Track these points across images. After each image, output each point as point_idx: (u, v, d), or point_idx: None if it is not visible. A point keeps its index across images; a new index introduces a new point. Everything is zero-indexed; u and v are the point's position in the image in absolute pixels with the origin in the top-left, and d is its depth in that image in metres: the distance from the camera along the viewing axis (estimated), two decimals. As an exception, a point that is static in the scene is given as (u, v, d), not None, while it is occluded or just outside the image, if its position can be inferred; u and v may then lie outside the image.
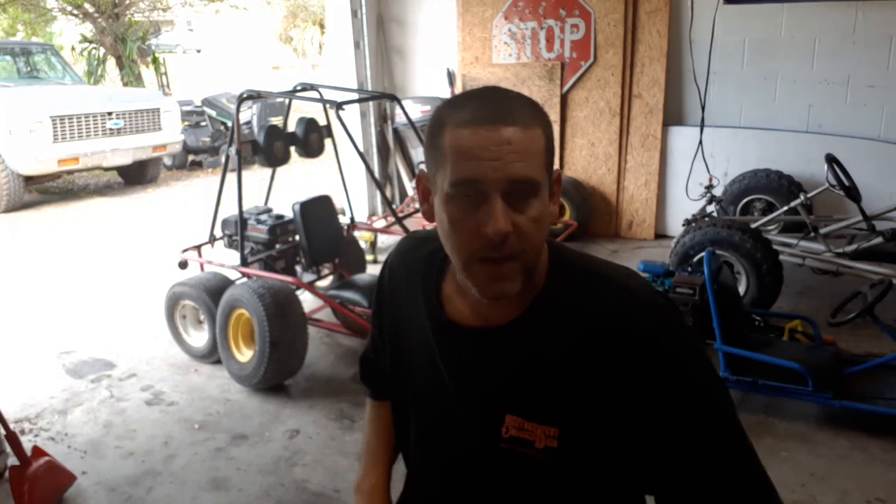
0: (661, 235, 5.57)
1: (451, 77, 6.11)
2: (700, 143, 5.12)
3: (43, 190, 9.23)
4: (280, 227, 3.94)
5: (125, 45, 13.31)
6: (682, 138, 5.34)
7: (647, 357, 0.87)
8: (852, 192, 3.73)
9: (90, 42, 13.84)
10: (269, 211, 4.08)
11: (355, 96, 5.21)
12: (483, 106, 0.86)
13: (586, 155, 5.66)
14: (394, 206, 5.41)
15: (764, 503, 0.87)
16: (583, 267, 0.96)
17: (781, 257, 3.75)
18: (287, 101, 4.29)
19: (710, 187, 4.67)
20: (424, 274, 1.04)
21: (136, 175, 9.32)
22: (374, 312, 1.20)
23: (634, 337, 0.88)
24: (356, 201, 5.08)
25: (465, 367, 0.98)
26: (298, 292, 3.60)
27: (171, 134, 9.14)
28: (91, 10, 13.84)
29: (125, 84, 13.19)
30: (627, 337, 0.88)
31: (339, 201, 4.31)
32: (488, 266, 0.87)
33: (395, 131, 6.40)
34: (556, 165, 5.27)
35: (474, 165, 0.83)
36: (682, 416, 0.86)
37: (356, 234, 4.48)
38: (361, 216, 6.04)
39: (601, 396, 0.89)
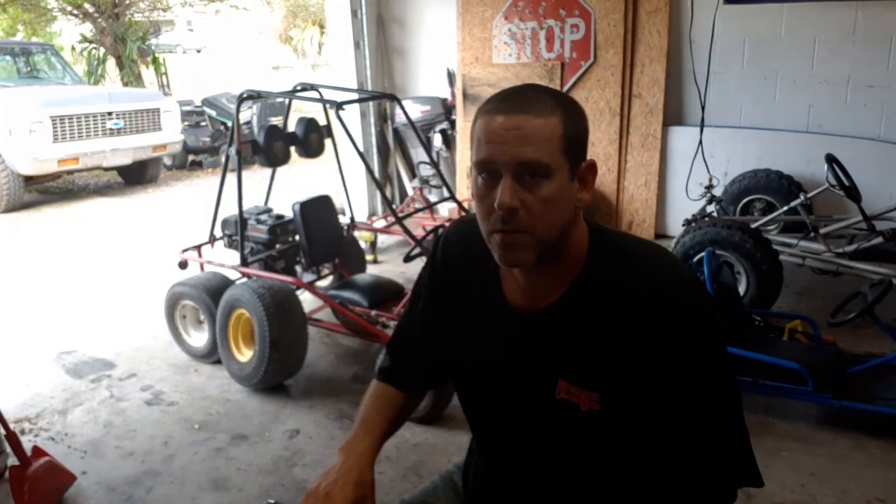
0: (661, 235, 5.57)
1: (451, 77, 6.11)
2: (700, 143, 5.12)
3: (43, 190, 9.23)
4: (280, 227, 3.94)
5: (125, 45, 13.31)
6: (682, 138, 5.34)
7: (669, 326, 0.99)
8: (852, 192, 3.73)
9: (90, 42, 13.84)
10: (269, 211, 4.08)
11: (355, 96, 5.20)
12: (507, 97, 1.00)
13: (586, 155, 5.65)
14: (394, 206, 5.41)
15: (734, 457, 1.05)
16: (620, 248, 1.06)
17: (781, 257, 3.75)
18: (287, 101, 4.29)
19: (710, 187, 4.66)
20: (485, 257, 1.10)
21: (136, 175, 9.32)
22: (423, 285, 1.28)
23: (660, 311, 0.99)
24: (356, 201, 5.08)
25: (520, 343, 1.11)
26: (298, 292, 3.60)
27: (171, 134, 9.14)
28: (91, 10, 13.84)
29: (125, 84, 13.19)
30: (654, 311, 0.99)
31: (339, 201, 4.31)
32: (502, 235, 0.99)
33: (395, 131, 6.40)
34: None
35: (489, 147, 0.97)
36: (686, 373, 1.00)
37: (356, 234, 4.48)
38: (361, 216, 6.05)
39: (634, 364, 1.01)
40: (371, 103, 6.23)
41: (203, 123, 10.95)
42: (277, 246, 3.94)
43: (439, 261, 1.24)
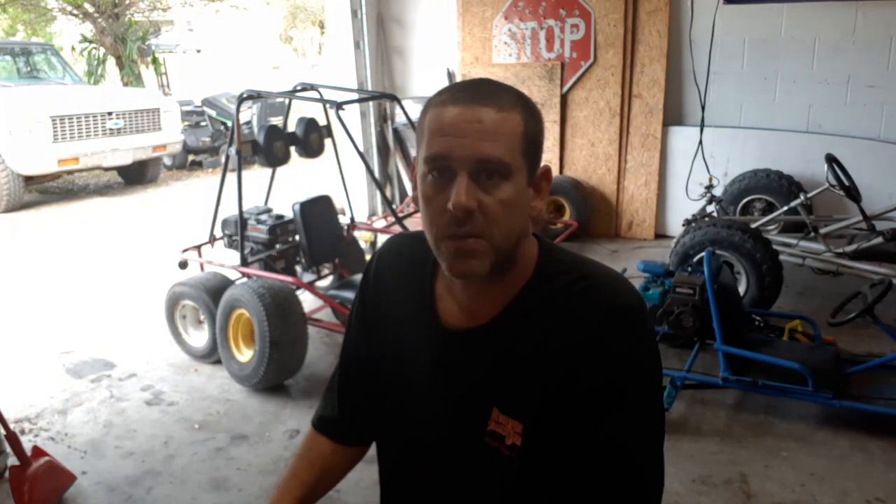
0: (661, 235, 5.57)
1: (451, 77, 6.11)
2: (700, 143, 5.12)
3: (43, 190, 9.23)
4: (280, 227, 3.94)
5: (125, 45, 13.30)
6: (682, 138, 5.34)
7: (595, 359, 0.88)
8: (852, 192, 3.73)
9: (90, 42, 13.83)
10: (269, 211, 4.08)
11: (355, 96, 5.20)
12: (464, 88, 0.90)
13: (586, 155, 5.66)
14: (394, 206, 5.41)
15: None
16: (568, 266, 0.97)
17: (781, 257, 3.75)
18: (287, 101, 4.29)
19: (710, 187, 4.66)
20: (417, 273, 1.04)
21: (136, 175, 9.32)
22: (356, 310, 1.16)
23: (582, 332, 0.89)
24: (356, 201, 5.07)
25: (454, 365, 1.00)
26: (298, 292, 3.60)
27: (171, 134, 9.14)
28: (91, 10, 13.84)
29: (125, 84, 13.18)
30: (577, 332, 0.89)
31: (339, 201, 4.31)
32: (455, 242, 0.89)
33: (395, 131, 6.40)
34: (556, 165, 5.23)
35: (444, 141, 0.87)
36: (602, 408, 0.88)
37: (356, 234, 4.48)
38: (361, 216, 6.04)
39: (557, 391, 0.90)
40: (371, 103, 6.23)
41: (203, 123, 10.95)
42: (277, 246, 3.94)
43: (371, 281, 1.13)
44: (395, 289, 1.09)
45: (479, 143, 0.86)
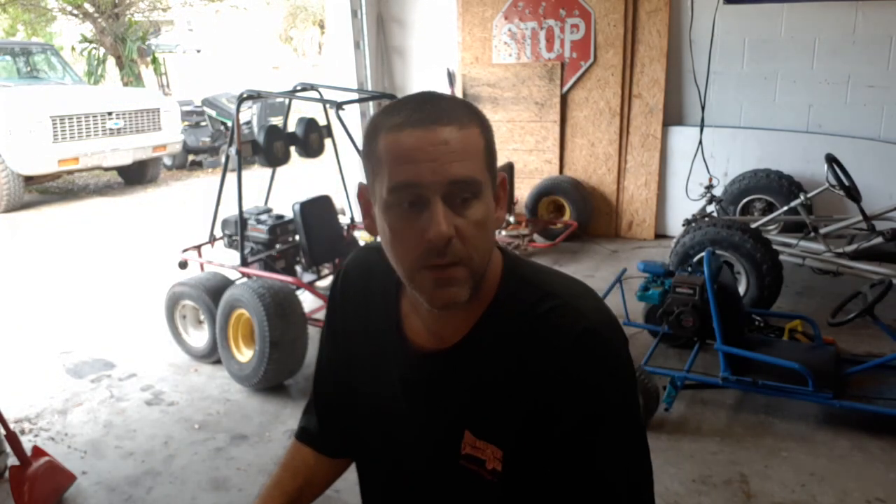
0: (661, 235, 5.57)
1: (451, 77, 6.11)
2: (700, 143, 5.12)
3: (43, 190, 9.23)
4: (280, 227, 3.94)
5: (125, 45, 13.31)
6: (682, 138, 5.34)
7: (568, 390, 0.85)
8: (852, 192, 3.73)
9: (90, 42, 13.84)
10: (269, 211, 4.08)
11: (355, 96, 5.20)
12: (417, 108, 0.84)
13: (586, 155, 5.66)
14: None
15: None
16: (532, 283, 0.92)
17: (781, 257, 3.75)
18: (287, 101, 4.29)
19: (710, 187, 4.66)
20: (383, 290, 1.01)
21: (136, 175, 9.32)
22: (326, 330, 1.14)
23: (550, 355, 0.85)
24: (356, 201, 5.07)
25: (423, 387, 0.97)
26: (298, 292, 3.60)
27: (171, 134, 9.14)
28: (91, 10, 13.84)
29: (125, 84, 13.19)
30: (545, 355, 0.86)
31: (339, 201, 4.31)
32: (434, 272, 0.84)
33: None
34: (556, 165, 5.22)
35: (411, 168, 0.81)
36: (585, 429, 0.86)
37: (356, 234, 4.48)
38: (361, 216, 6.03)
39: (531, 418, 0.87)
40: (371, 103, 6.22)
41: (203, 123, 10.95)
42: (277, 246, 3.94)
43: (338, 300, 1.10)
44: (361, 307, 1.05)
45: (449, 165, 0.81)
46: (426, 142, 0.81)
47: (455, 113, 0.84)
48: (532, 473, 0.89)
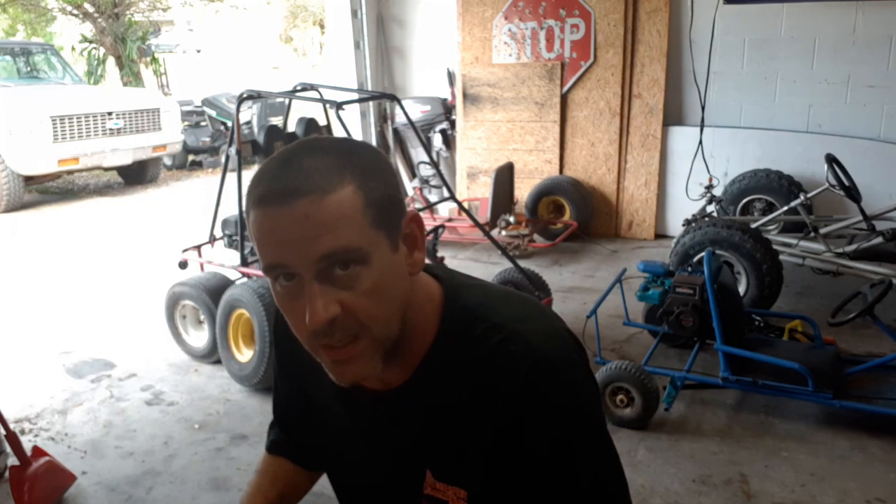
0: (661, 235, 5.57)
1: (451, 77, 6.11)
2: (700, 143, 5.12)
3: (43, 190, 9.24)
4: (280, 227, 3.93)
5: (125, 45, 13.32)
6: (682, 138, 5.34)
7: (530, 424, 0.81)
8: (852, 192, 3.73)
9: (90, 42, 13.85)
10: (269, 211, 4.08)
11: (355, 96, 5.21)
12: (276, 178, 0.75)
13: (586, 155, 5.66)
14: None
15: None
16: (474, 314, 0.86)
17: (781, 257, 3.75)
18: (287, 101, 4.29)
19: (710, 187, 4.67)
20: None
21: (136, 175, 9.33)
22: (276, 366, 1.12)
23: (514, 391, 0.81)
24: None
25: (374, 428, 0.93)
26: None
27: (171, 134, 9.15)
28: (91, 10, 13.85)
29: (125, 84, 13.20)
30: (495, 391, 0.82)
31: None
32: (330, 353, 0.79)
33: (395, 131, 6.40)
34: (556, 165, 5.19)
35: (276, 249, 0.74)
36: (554, 462, 0.83)
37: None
38: (361, 216, 6.03)
39: (497, 456, 0.83)
40: (371, 103, 6.23)
41: (203, 123, 10.96)
42: (277, 246, 3.94)
43: (279, 337, 1.07)
44: (302, 349, 0.97)
45: (314, 242, 0.72)
46: (285, 220, 0.73)
47: (317, 177, 0.73)
48: None
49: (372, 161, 0.79)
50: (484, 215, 5.13)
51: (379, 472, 0.96)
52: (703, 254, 3.09)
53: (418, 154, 6.34)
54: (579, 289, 4.52)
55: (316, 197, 0.72)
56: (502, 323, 0.84)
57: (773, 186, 4.71)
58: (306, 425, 1.08)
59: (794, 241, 3.95)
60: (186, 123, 10.49)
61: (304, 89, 3.96)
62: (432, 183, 6.08)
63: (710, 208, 4.62)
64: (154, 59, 14.02)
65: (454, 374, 0.85)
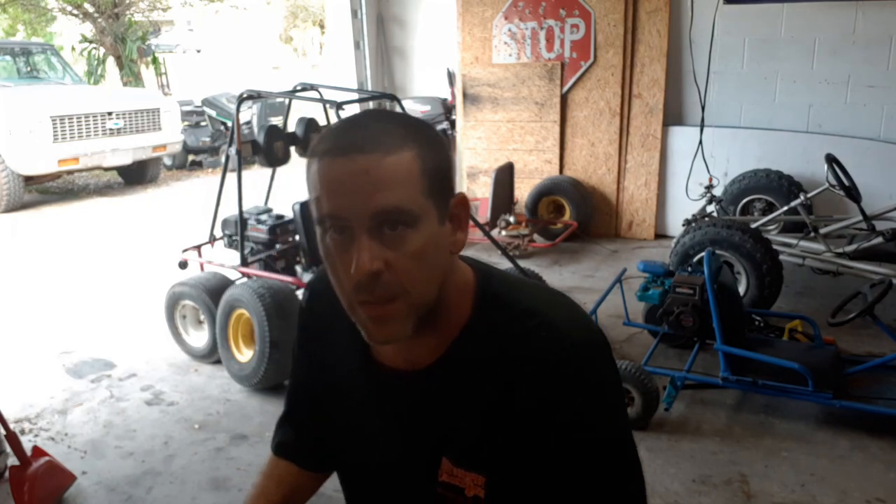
0: (661, 235, 5.57)
1: (451, 77, 6.12)
2: (700, 143, 5.13)
3: (43, 190, 9.23)
4: (280, 227, 3.93)
5: (125, 45, 13.31)
6: (682, 138, 5.34)
7: (558, 393, 0.82)
8: (852, 192, 3.73)
9: (90, 42, 13.85)
10: (269, 211, 4.08)
11: (355, 96, 5.21)
12: (343, 134, 0.80)
13: (586, 155, 5.66)
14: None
15: None
16: (508, 300, 0.88)
17: (781, 257, 3.75)
18: (287, 101, 4.29)
19: (710, 187, 4.67)
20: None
21: (136, 175, 9.33)
22: (296, 360, 1.12)
23: (534, 377, 0.82)
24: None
25: (397, 411, 0.94)
26: (298, 292, 3.60)
27: (171, 134, 9.15)
28: (91, 10, 13.85)
29: (125, 84, 13.20)
30: (529, 377, 0.83)
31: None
32: (368, 308, 0.81)
33: (395, 131, 6.40)
34: (556, 165, 5.22)
35: (333, 200, 0.78)
36: (576, 450, 0.84)
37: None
38: (361, 216, 6.04)
39: (521, 440, 0.84)
40: (371, 103, 6.23)
41: (203, 123, 10.96)
42: (277, 246, 3.94)
43: (305, 319, 1.07)
44: (329, 327, 1.01)
45: (370, 196, 0.76)
46: (345, 172, 0.77)
47: (384, 138, 0.78)
48: (521, 498, 0.86)
49: (433, 137, 0.83)
50: (484, 215, 5.13)
51: (391, 457, 0.96)
52: (703, 254, 3.10)
53: (418, 154, 6.33)
54: (579, 289, 4.52)
55: (378, 155, 0.77)
56: (536, 309, 0.87)
57: (773, 186, 4.71)
58: (319, 415, 1.08)
59: (794, 241, 3.95)
60: (186, 123, 10.49)
61: (304, 89, 3.96)
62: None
63: (710, 208, 4.62)
64: (154, 59, 14.02)
65: (485, 355, 0.86)
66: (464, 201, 0.86)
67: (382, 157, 0.77)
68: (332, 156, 0.78)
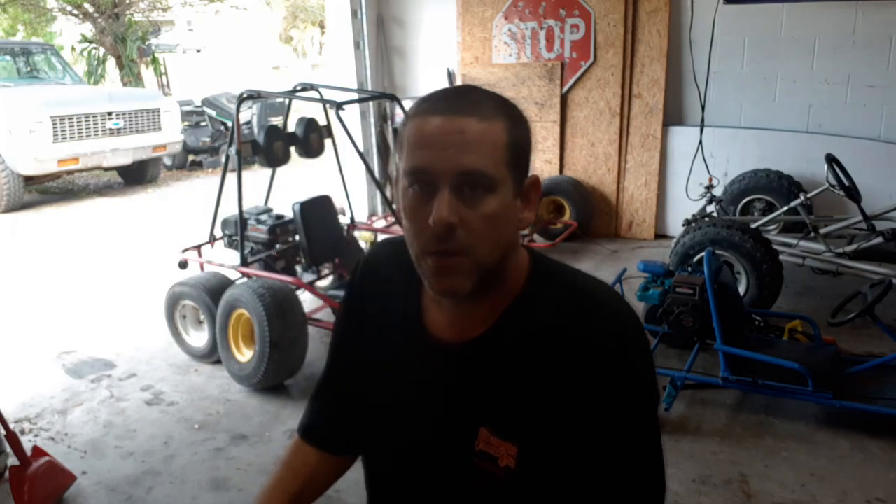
0: (661, 235, 5.57)
1: (451, 77, 6.11)
2: (700, 143, 5.12)
3: (43, 190, 9.23)
4: (280, 227, 3.94)
5: (125, 45, 13.31)
6: (682, 138, 5.34)
7: (598, 370, 0.87)
8: (852, 192, 3.73)
9: (90, 42, 13.84)
10: (269, 211, 4.08)
11: (355, 96, 5.20)
12: (445, 97, 0.87)
13: (586, 155, 5.66)
14: (394, 206, 5.40)
15: None
16: (562, 279, 0.94)
17: (781, 257, 3.75)
18: (287, 101, 4.29)
19: (710, 187, 4.66)
20: (404, 281, 1.00)
21: (136, 175, 9.32)
22: (342, 319, 1.13)
23: (591, 352, 0.87)
24: (356, 201, 5.07)
25: (441, 380, 0.96)
26: (298, 292, 3.60)
27: (171, 134, 9.15)
28: (91, 10, 13.84)
29: (125, 84, 13.19)
30: (585, 352, 0.87)
31: (339, 201, 4.31)
32: (436, 259, 0.86)
33: (395, 131, 6.40)
34: (556, 165, 5.22)
35: (424, 154, 0.84)
36: (609, 426, 0.88)
37: (356, 234, 4.48)
38: (361, 216, 6.04)
39: (555, 412, 0.88)
40: (371, 103, 6.23)
41: (203, 123, 10.95)
42: (277, 246, 3.94)
43: (356, 288, 1.10)
44: (381, 297, 1.05)
45: (460, 155, 0.82)
46: (441, 130, 0.83)
47: (480, 106, 0.85)
48: (551, 469, 0.90)
49: (521, 116, 0.90)
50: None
51: (428, 429, 0.98)
52: (703, 254, 3.10)
53: (418, 154, 6.33)
54: (579, 289, 4.51)
55: (473, 120, 0.83)
56: (590, 290, 0.93)
57: (773, 186, 4.71)
58: (355, 391, 1.09)
59: (794, 241, 3.95)
60: (186, 123, 10.48)
61: (304, 89, 3.96)
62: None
63: (710, 208, 4.62)
64: (154, 59, 14.00)
65: (536, 329, 0.90)
66: (536, 182, 0.93)
67: (477, 121, 0.83)
68: (430, 114, 0.85)
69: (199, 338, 3.73)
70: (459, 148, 0.82)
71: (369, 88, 6.17)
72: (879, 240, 3.70)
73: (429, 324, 0.99)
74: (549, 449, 0.89)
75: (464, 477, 0.94)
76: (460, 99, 0.87)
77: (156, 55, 14.28)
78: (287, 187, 6.06)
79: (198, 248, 4.04)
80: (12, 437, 2.52)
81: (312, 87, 3.95)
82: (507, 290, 0.93)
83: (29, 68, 9.43)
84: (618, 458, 0.89)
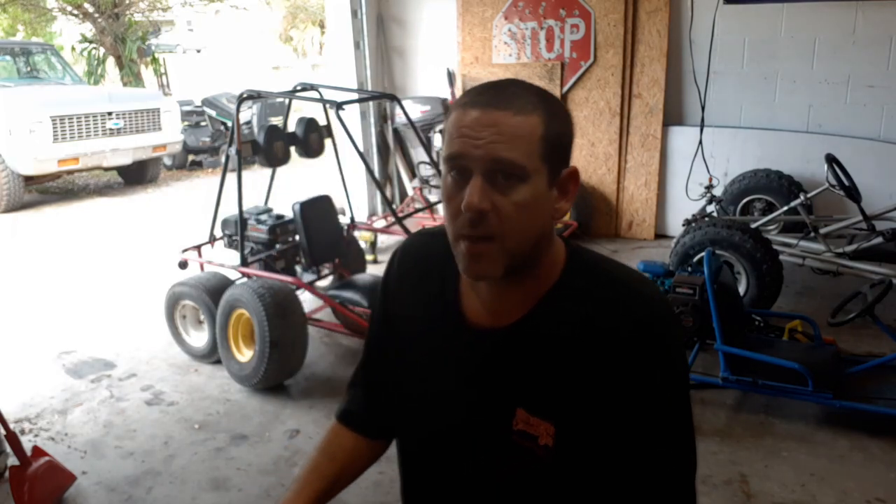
0: (661, 235, 5.57)
1: (451, 77, 6.11)
2: (700, 143, 5.12)
3: (43, 190, 9.23)
4: (280, 227, 3.94)
5: (125, 45, 13.31)
6: (682, 138, 5.34)
7: (634, 354, 0.90)
8: (852, 192, 3.73)
9: (90, 42, 13.84)
10: (269, 211, 4.08)
11: (355, 96, 5.20)
12: (484, 91, 0.91)
13: (586, 155, 5.66)
14: (394, 206, 5.40)
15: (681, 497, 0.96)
16: (599, 269, 0.98)
17: (781, 257, 3.75)
18: (287, 101, 4.29)
19: (710, 187, 4.66)
20: (441, 269, 1.04)
21: (136, 175, 9.33)
22: (379, 306, 1.17)
23: (627, 336, 0.90)
24: (356, 201, 5.08)
25: (477, 365, 1.00)
26: (298, 292, 3.60)
27: (171, 134, 9.15)
28: (91, 10, 13.84)
29: (125, 84, 13.19)
30: (621, 336, 0.90)
31: (339, 201, 4.31)
32: (468, 244, 0.90)
33: (395, 131, 6.40)
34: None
35: (461, 142, 0.88)
36: (644, 409, 0.91)
37: (356, 234, 4.48)
38: (361, 216, 6.04)
39: (592, 393, 0.91)
40: (371, 103, 6.23)
41: (203, 123, 10.95)
42: (277, 246, 3.94)
43: (394, 275, 1.14)
44: (418, 285, 1.09)
45: (493, 145, 0.86)
46: (478, 122, 0.87)
47: (517, 100, 0.89)
48: (588, 450, 0.93)
49: (561, 110, 0.93)
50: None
51: (464, 412, 1.01)
52: (703, 254, 3.10)
53: (418, 154, 6.33)
54: (579, 289, 4.52)
55: (509, 113, 0.87)
56: (626, 280, 0.96)
57: (773, 186, 4.71)
58: (395, 369, 1.12)
59: (794, 241, 3.95)
60: (186, 123, 10.48)
61: (304, 89, 3.96)
62: (432, 183, 6.07)
63: (710, 208, 4.62)
64: (154, 59, 14.01)
65: (572, 316, 0.93)
66: (575, 174, 0.95)
67: (512, 115, 0.87)
68: (470, 106, 0.89)
69: (199, 338, 3.73)
70: (493, 139, 0.86)
71: (369, 88, 6.17)
72: (879, 240, 3.70)
73: (466, 310, 1.02)
74: (585, 431, 0.92)
75: (504, 456, 0.98)
76: (499, 93, 0.90)
77: (156, 55, 14.29)
78: (287, 187, 6.06)
79: (198, 248, 4.03)
80: (12, 437, 2.52)
81: (312, 87, 3.95)
82: (543, 278, 0.96)
83: (29, 68, 9.43)
84: (652, 442, 0.92)
